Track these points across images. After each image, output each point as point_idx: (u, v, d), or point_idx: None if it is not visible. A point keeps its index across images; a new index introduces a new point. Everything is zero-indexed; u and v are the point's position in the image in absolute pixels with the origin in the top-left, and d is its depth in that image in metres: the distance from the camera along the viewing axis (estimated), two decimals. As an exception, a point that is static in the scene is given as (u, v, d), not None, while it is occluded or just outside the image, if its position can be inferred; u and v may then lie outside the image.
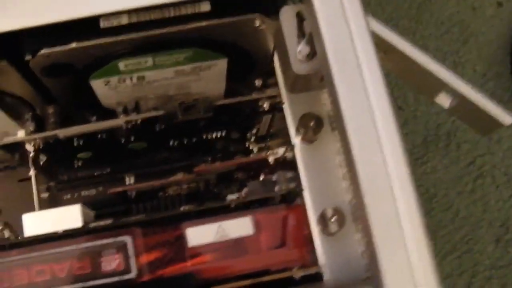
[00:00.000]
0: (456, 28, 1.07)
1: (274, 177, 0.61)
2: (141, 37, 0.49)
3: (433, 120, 1.03)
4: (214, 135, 0.64)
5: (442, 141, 1.03)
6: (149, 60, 0.52)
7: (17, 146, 0.58)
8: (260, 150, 0.68)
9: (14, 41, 0.48)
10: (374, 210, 0.39)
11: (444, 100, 0.51)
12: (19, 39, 0.48)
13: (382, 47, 0.43)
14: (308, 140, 0.52)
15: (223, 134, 0.64)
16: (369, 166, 0.39)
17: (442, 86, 0.49)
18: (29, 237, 0.51)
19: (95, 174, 0.68)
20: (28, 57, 0.48)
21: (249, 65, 0.57)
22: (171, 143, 0.63)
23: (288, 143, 0.58)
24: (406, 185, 0.39)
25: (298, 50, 0.46)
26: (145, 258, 0.51)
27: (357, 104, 0.40)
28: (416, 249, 0.38)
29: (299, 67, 0.46)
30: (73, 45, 0.48)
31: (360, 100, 0.40)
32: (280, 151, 0.61)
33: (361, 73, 0.41)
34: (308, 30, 0.45)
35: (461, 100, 0.50)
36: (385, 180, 0.39)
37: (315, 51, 0.45)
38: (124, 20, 0.48)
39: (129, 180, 0.66)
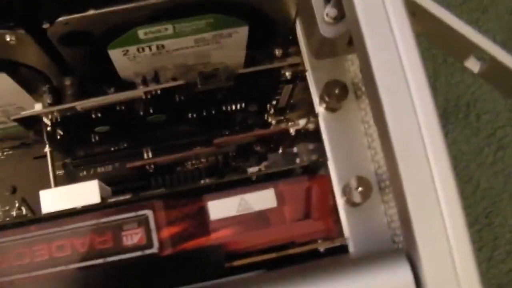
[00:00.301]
0: (475, -4, 1.05)
1: (295, 149, 0.60)
2: (161, 2, 0.47)
3: (453, 91, 1.01)
4: (233, 107, 0.63)
5: (461, 112, 1.01)
6: (169, 28, 0.50)
7: (34, 121, 0.56)
8: (278, 122, 0.67)
9: (32, 9, 0.47)
10: (408, 175, 0.37)
11: (473, 64, 0.50)
12: (37, 7, 0.47)
13: (410, 8, 0.41)
14: (331, 108, 0.51)
15: (242, 106, 0.63)
16: (402, 129, 0.38)
17: (472, 48, 0.48)
18: (48, 213, 0.50)
19: (112, 149, 0.67)
20: (45, 25, 0.47)
21: (271, 32, 0.55)
22: (190, 115, 0.62)
23: (308, 115, 0.56)
24: (441, 148, 0.38)
25: (325, 12, 0.44)
26: (166, 232, 0.50)
27: (389, 66, 0.39)
28: (451, 216, 0.37)
29: (326, 30, 0.44)
30: (91, 11, 0.47)
31: (392, 61, 0.39)
32: (301, 122, 0.59)
33: (393, 33, 0.39)
34: (335, -8, 0.44)
35: (491, 63, 0.48)
36: (419, 144, 0.37)
37: (343, 13, 0.43)
38: (144, -15, 0.47)
39: (147, 154, 0.65)
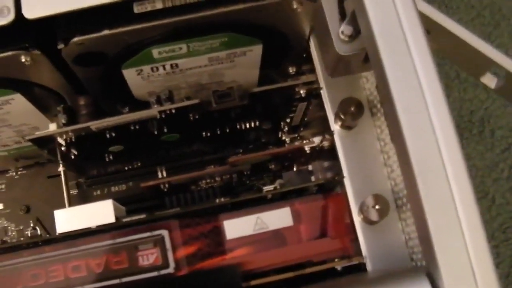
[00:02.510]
0: (487, 11, 1.05)
1: (310, 167, 0.60)
2: (176, 22, 0.47)
3: (466, 107, 1.01)
4: (247, 125, 0.62)
5: (475, 127, 1.00)
6: (183, 47, 0.50)
7: (48, 141, 0.56)
8: (292, 140, 0.67)
9: (47, 29, 0.47)
10: (427, 192, 0.37)
11: (490, 80, 0.49)
12: (52, 27, 0.47)
13: (426, 25, 0.41)
14: (347, 126, 0.50)
15: (256, 124, 0.63)
16: (421, 146, 0.37)
17: (488, 64, 0.47)
18: (63, 233, 0.50)
19: (126, 168, 0.67)
20: (60, 46, 0.47)
21: (285, 50, 0.55)
22: (203, 134, 0.62)
23: (323, 132, 0.56)
24: (460, 165, 0.37)
25: (340, 30, 0.44)
26: (182, 252, 0.49)
27: (406, 83, 0.38)
28: (472, 232, 0.36)
29: (342, 47, 0.44)
30: (105, 32, 0.47)
31: (409, 78, 0.38)
32: (316, 140, 0.59)
33: (409, 50, 0.39)
34: (350, 9, 0.44)
35: (508, 78, 0.48)
36: (438, 161, 0.37)
37: (359, 31, 0.43)
38: (159, 5, 0.46)
39: (161, 173, 0.65)
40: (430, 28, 0.43)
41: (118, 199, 0.55)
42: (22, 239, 0.67)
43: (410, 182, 0.38)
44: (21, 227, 0.70)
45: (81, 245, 0.49)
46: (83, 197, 0.69)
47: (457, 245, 0.36)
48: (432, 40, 0.40)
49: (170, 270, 0.49)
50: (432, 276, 0.37)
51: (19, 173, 0.72)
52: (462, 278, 0.36)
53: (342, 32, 0.44)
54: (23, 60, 0.47)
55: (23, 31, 0.46)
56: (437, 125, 0.38)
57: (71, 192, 0.67)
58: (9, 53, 0.47)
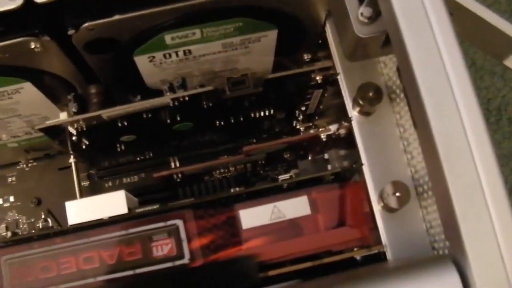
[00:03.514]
0: (504, -2, 1.03)
1: (326, 156, 0.58)
2: (189, 6, 0.46)
3: (483, 95, 0.99)
4: (261, 114, 0.61)
5: (493, 116, 0.99)
6: (196, 32, 0.49)
7: (59, 130, 0.55)
8: (307, 129, 0.66)
9: (57, 15, 0.45)
10: (454, 177, 0.36)
11: (514, 63, 0.48)
12: (62, 13, 0.45)
13: (449, 7, 0.40)
14: (365, 112, 0.49)
15: (271, 112, 0.62)
16: (446, 130, 0.36)
17: (512, 46, 0.46)
18: (74, 225, 0.49)
19: (138, 159, 0.66)
20: (71, 31, 0.46)
21: (300, 36, 0.54)
22: (217, 123, 0.61)
23: (338, 120, 0.55)
24: (487, 148, 0.36)
25: (359, 12, 0.43)
26: (197, 242, 0.48)
27: (430, 64, 0.37)
28: (500, 218, 0.35)
29: (361, 29, 0.43)
30: (117, 17, 0.45)
31: (433, 60, 0.37)
32: (333, 127, 0.58)
33: (433, 31, 0.38)
34: (369, -10, 0.43)
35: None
36: (464, 144, 0.36)
37: (378, 12, 0.42)
38: (171, -13, 0.45)
39: (174, 163, 0.64)
40: (453, 9, 0.42)
41: (131, 190, 0.54)
42: (33, 231, 0.66)
43: (435, 168, 0.37)
44: (32, 220, 0.69)
45: (93, 236, 0.48)
46: (94, 189, 0.68)
47: (485, 231, 0.35)
48: (455, 22, 0.38)
49: (185, 260, 0.48)
50: (459, 264, 0.35)
51: (29, 165, 0.71)
52: (491, 265, 0.34)
53: (362, 14, 0.42)
54: (32, 46, 0.47)
55: (32, 16, 0.45)
56: (462, 108, 0.36)
57: (82, 184, 0.66)
58: (19, 39, 0.46)
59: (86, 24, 0.46)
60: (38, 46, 0.47)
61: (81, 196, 0.63)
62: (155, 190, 0.64)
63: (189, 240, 0.48)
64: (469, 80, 0.37)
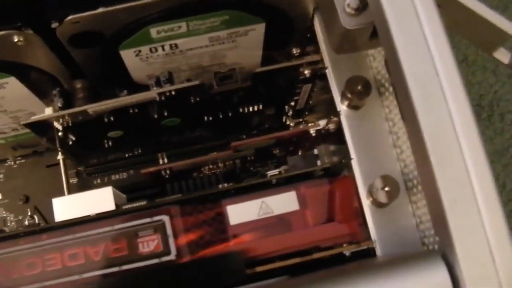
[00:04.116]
0: (496, -7, 1.03)
1: (315, 151, 0.58)
2: (174, -2, 0.45)
3: (475, 91, 0.99)
4: (250, 109, 0.61)
5: (485, 112, 0.98)
6: (182, 25, 0.48)
7: (45, 126, 0.54)
8: (297, 125, 0.65)
9: (40, 7, 0.45)
10: (442, 171, 0.35)
11: (503, 55, 0.47)
12: (45, 6, 0.45)
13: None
14: (354, 106, 0.49)
15: (260, 108, 0.61)
16: (434, 124, 0.35)
17: (502, 38, 0.46)
18: (60, 221, 0.48)
19: (126, 155, 0.66)
20: (54, 25, 0.45)
21: (288, 30, 0.53)
22: (205, 118, 0.60)
23: (327, 116, 0.55)
24: (476, 142, 0.35)
25: (346, 3, 0.42)
26: (184, 239, 0.48)
27: (418, 57, 0.36)
28: (490, 213, 0.35)
29: (348, 21, 0.42)
30: (101, 9, 0.45)
31: (421, 53, 0.36)
32: (322, 122, 0.57)
33: (420, 22, 0.37)
34: (356, -19, 0.42)
35: (523, 55, 0.46)
36: (452, 138, 0.35)
37: (365, 3, 0.41)
38: (156, -20, 0.45)
39: (163, 159, 0.63)
40: (441, 1, 0.41)
41: (119, 187, 0.54)
42: (20, 228, 0.65)
43: (423, 161, 0.36)
44: (20, 217, 0.68)
45: (79, 232, 0.48)
46: (83, 186, 0.67)
47: (474, 226, 0.34)
48: (443, 14, 0.38)
49: (172, 257, 0.47)
50: (448, 259, 0.35)
51: (17, 162, 0.70)
52: (479, 260, 0.34)
53: (348, 5, 0.42)
54: (15, 40, 0.46)
55: (15, 9, 0.44)
56: (451, 101, 0.36)
57: (70, 181, 0.66)
58: (1, 32, 0.45)
59: (70, 17, 0.45)
60: (21, 39, 0.46)
61: (70, 193, 0.62)
62: (144, 187, 0.63)
63: (175, 236, 0.47)
64: (458, 72, 0.36)
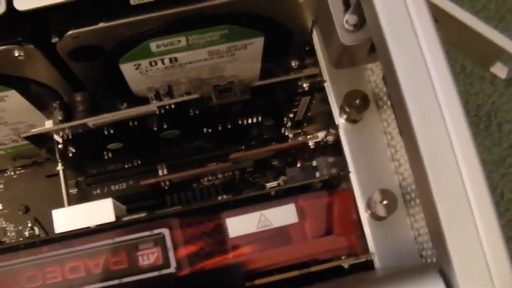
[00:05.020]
0: (492, 4, 1.03)
1: (314, 163, 0.58)
2: (174, 13, 0.46)
3: (473, 101, 0.99)
4: (249, 121, 0.61)
5: (482, 122, 0.99)
6: (182, 40, 0.49)
7: (45, 138, 0.55)
8: (295, 136, 0.65)
9: (41, 22, 0.45)
10: (439, 185, 0.35)
11: (500, 70, 0.48)
12: (46, 20, 0.45)
13: (434, 14, 0.40)
14: (352, 119, 0.49)
15: (259, 119, 0.61)
16: (431, 138, 0.36)
17: (498, 53, 0.46)
18: (61, 233, 0.49)
19: (126, 166, 0.66)
20: (55, 39, 0.46)
21: (287, 43, 0.54)
22: (204, 130, 0.60)
23: (326, 128, 0.55)
24: (472, 156, 0.36)
25: (344, 19, 0.42)
26: (184, 251, 0.48)
27: (415, 72, 0.37)
28: (486, 227, 0.35)
29: (346, 37, 0.42)
30: (101, 24, 0.45)
31: (418, 67, 0.37)
32: (321, 134, 0.58)
33: (418, 39, 0.37)
34: (354, -2, 0.42)
35: (520, 69, 0.47)
36: (449, 152, 0.36)
37: (364, 20, 0.42)
38: (156, -5, 0.45)
39: (162, 171, 0.64)
40: (438, 17, 0.41)
41: (119, 198, 0.54)
42: (21, 239, 0.65)
43: (420, 175, 0.36)
44: (20, 228, 0.68)
45: (79, 245, 0.48)
46: (82, 196, 0.67)
47: (471, 241, 0.34)
48: (440, 29, 0.38)
49: (171, 270, 0.47)
50: (445, 274, 0.35)
51: (17, 172, 0.70)
52: (477, 275, 0.34)
53: (347, 22, 0.42)
54: (16, 54, 0.46)
55: (16, 24, 0.44)
56: (447, 116, 0.36)
57: (70, 192, 0.66)
58: (2, 47, 0.45)
59: (70, 32, 0.45)
60: (22, 54, 0.46)
61: (69, 203, 0.62)
62: (143, 198, 0.64)
63: (175, 249, 0.47)
64: (455, 87, 0.36)
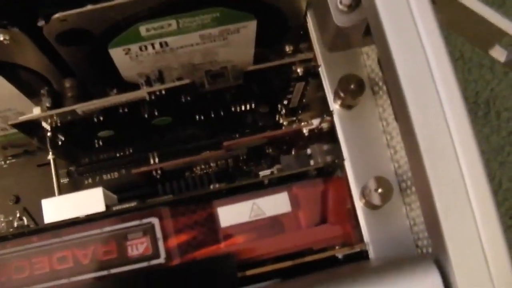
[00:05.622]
0: (492, -12, 1.02)
1: (308, 151, 0.57)
2: (163, -5, 0.44)
3: (471, 88, 0.98)
4: (242, 108, 0.60)
5: (481, 109, 0.98)
6: (172, 23, 0.47)
7: (33, 126, 0.54)
8: (290, 123, 0.64)
9: (26, 5, 0.44)
10: (435, 173, 0.34)
11: (499, 53, 0.47)
12: (31, 3, 0.44)
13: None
14: (347, 105, 0.48)
15: (252, 106, 0.60)
16: (428, 124, 0.35)
17: (498, 36, 0.45)
18: (49, 223, 0.48)
19: (117, 155, 0.65)
20: (41, 23, 0.45)
21: (280, 27, 0.52)
22: (197, 117, 0.59)
23: (322, 115, 0.54)
24: (470, 143, 0.34)
25: (338, 0, 0.41)
26: (174, 241, 0.47)
27: (411, 54, 0.36)
28: (484, 216, 0.34)
29: (341, 18, 0.41)
30: (89, 7, 0.44)
31: (415, 50, 0.36)
32: (315, 122, 0.57)
33: (414, 20, 0.36)
34: (349, -22, 0.41)
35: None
36: (446, 139, 0.34)
37: (358, 0, 0.40)
38: (144, -24, 0.44)
39: (154, 159, 0.63)
40: (436, -2, 0.40)
41: (111, 187, 0.53)
42: (11, 230, 0.64)
43: (416, 162, 0.35)
44: (11, 218, 0.67)
45: (68, 235, 0.47)
46: (74, 186, 0.66)
47: (468, 230, 0.33)
48: (438, 11, 0.37)
49: (161, 260, 0.46)
50: (441, 264, 0.34)
51: (7, 162, 0.69)
52: (473, 265, 0.33)
53: (341, 2, 0.41)
54: (1, 39, 0.45)
55: (0, 7, 0.43)
56: (445, 101, 0.35)
57: (62, 181, 0.65)
58: (-14, 31, 0.44)
59: (57, 15, 0.44)
60: (7, 38, 0.45)
61: (60, 193, 0.61)
62: (135, 187, 0.63)
63: (165, 239, 0.47)
64: (452, 71, 0.35)
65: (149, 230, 0.46)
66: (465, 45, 0.97)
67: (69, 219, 0.47)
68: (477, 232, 0.33)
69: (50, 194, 0.60)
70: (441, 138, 0.34)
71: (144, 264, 0.46)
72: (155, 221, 0.47)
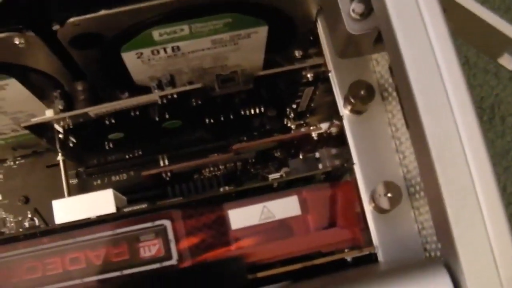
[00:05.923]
0: (498, -5, 1.02)
1: (317, 154, 0.58)
2: (177, 1, 0.45)
3: (476, 93, 0.98)
4: (251, 111, 0.60)
5: (486, 114, 0.98)
6: (185, 28, 0.48)
7: (45, 128, 0.54)
8: (298, 127, 0.65)
9: (41, 10, 0.44)
10: (446, 178, 0.35)
11: (508, 61, 0.47)
12: (46, 8, 0.44)
13: (441, 4, 0.39)
14: (357, 110, 0.48)
15: (261, 110, 0.61)
16: (439, 129, 0.35)
17: (507, 44, 0.45)
18: (61, 224, 0.48)
19: (127, 157, 0.65)
20: (56, 27, 0.45)
21: (291, 33, 0.53)
22: (207, 120, 0.60)
23: (329, 119, 0.54)
24: (480, 148, 0.35)
25: (351, 8, 0.42)
26: (186, 243, 0.47)
27: (423, 62, 0.36)
28: (494, 220, 0.34)
29: (353, 26, 0.42)
30: (103, 12, 0.44)
31: (426, 57, 0.36)
32: (324, 126, 0.57)
33: (426, 28, 0.37)
34: (361, -14, 0.42)
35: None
36: (457, 144, 0.35)
37: (370, 9, 0.41)
38: (158, -18, 0.44)
39: (163, 161, 0.63)
40: (446, 6, 0.41)
41: (119, 188, 0.53)
42: (20, 230, 0.65)
43: (427, 168, 0.36)
44: (20, 218, 0.68)
45: (80, 236, 0.47)
46: (83, 187, 0.67)
47: (478, 235, 0.34)
48: (448, 19, 0.38)
49: (173, 261, 0.47)
50: (451, 268, 0.35)
51: (17, 162, 0.70)
52: (483, 269, 0.34)
53: (353, 10, 0.41)
54: (16, 42, 0.45)
55: (16, 11, 0.44)
56: (456, 107, 0.35)
57: (70, 182, 0.65)
58: (2, 35, 0.45)
59: (71, 19, 0.45)
60: (22, 41, 0.46)
61: (69, 194, 0.62)
62: (144, 188, 0.63)
63: (177, 241, 0.47)
64: (463, 78, 0.36)
65: (161, 232, 0.47)
66: (470, 50, 0.98)
67: (81, 220, 0.48)
68: (487, 237, 0.34)
69: (59, 194, 0.61)
70: (452, 144, 0.35)
71: (157, 265, 0.46)
72: (167, 223, 0.47)
